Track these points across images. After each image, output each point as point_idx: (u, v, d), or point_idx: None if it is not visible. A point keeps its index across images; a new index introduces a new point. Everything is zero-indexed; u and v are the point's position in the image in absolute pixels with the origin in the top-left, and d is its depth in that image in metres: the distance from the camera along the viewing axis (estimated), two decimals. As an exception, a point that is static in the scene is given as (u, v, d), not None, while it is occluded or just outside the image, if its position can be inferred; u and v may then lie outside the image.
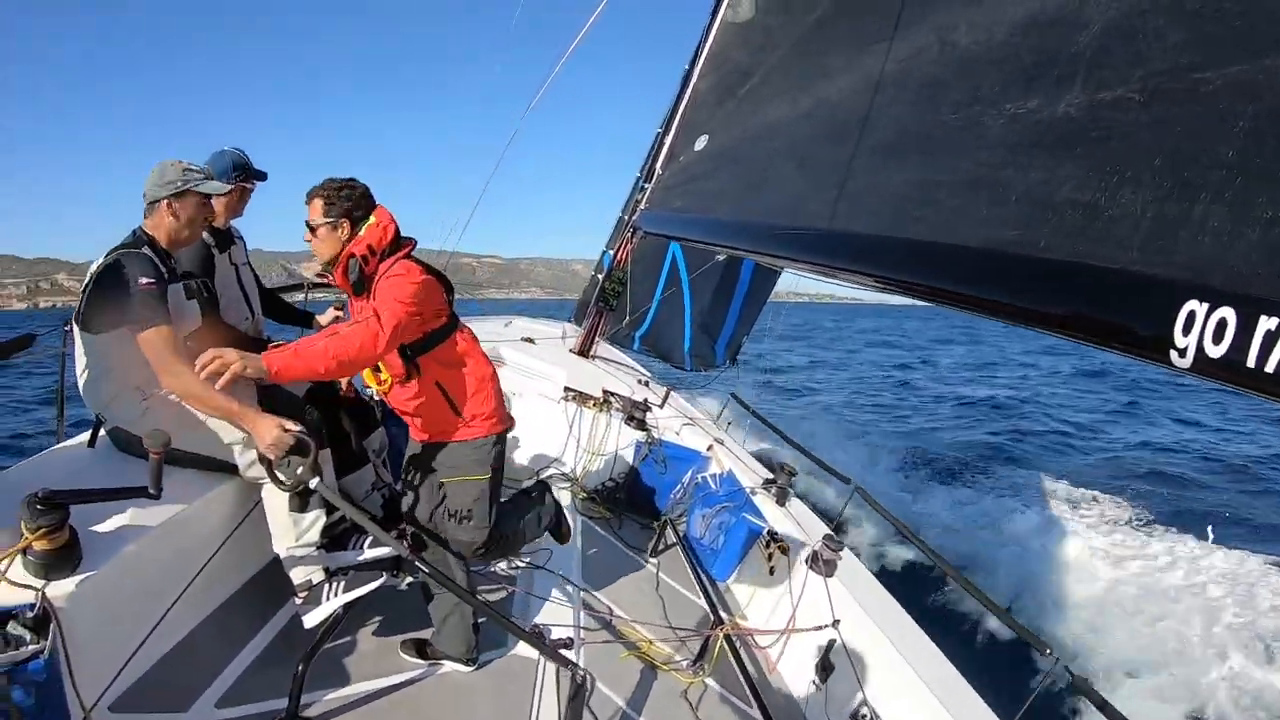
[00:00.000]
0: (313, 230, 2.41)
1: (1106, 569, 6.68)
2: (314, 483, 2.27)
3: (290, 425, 2.31)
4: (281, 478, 2.33)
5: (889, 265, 2.35)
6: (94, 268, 2.41)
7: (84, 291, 2.40)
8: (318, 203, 2.38)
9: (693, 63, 4.93)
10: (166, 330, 2.26)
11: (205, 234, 2.92)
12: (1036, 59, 1.88)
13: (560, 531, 3.09)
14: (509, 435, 4.61)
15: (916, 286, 2.16)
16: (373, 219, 2.41)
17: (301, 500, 2.48)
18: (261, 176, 3.19)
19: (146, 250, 2.40)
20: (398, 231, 2.46)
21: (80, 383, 2.47)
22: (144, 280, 2.26)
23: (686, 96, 4.89)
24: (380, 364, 2.45)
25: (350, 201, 2.38)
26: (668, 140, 5.05)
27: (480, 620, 2.50)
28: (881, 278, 2.33)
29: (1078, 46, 1.73)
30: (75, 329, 2.46)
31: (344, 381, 3.10)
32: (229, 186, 2.92)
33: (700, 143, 4.46)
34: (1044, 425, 13.54)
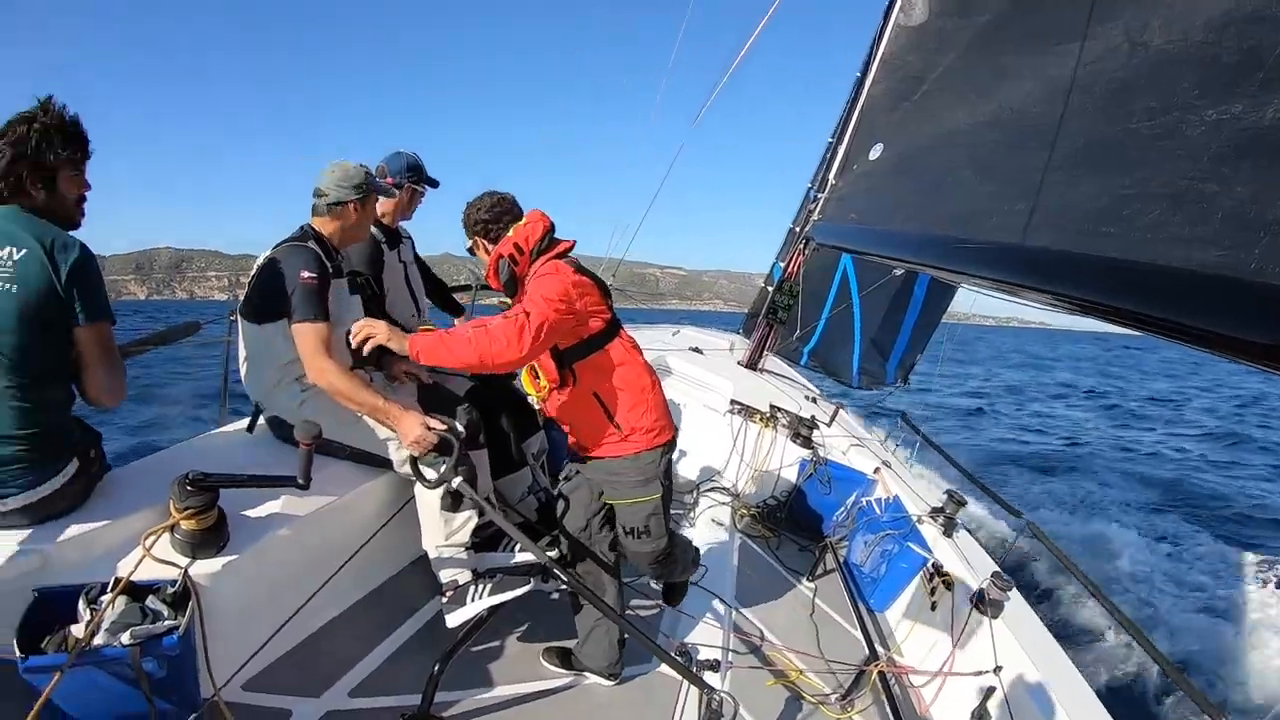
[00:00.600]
0: (471, 252, 2.55)
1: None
2: (456, 482, 2.27)
3: (435, 424, 2.34)
4: (425, 474, 2.37)
5: (1078, 284, 2.12)
6: (260, 260, 2.50)
7: (249, 283, 2.49)
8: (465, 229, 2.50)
9: (865, 68, 4.78)
10: (321, 326, 2.32)
11: (376, 231, 3.03)
12: (1239, 59, 1.66)
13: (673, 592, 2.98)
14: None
15: (1106, 309, 1.94)
16: (523, 220, 2.43)
17: (454, 500, 2.46)
18: (433, 184, 3.29)
19: (312, 245, 2.46)
20: (548, 231, 2.43)
21: (242, 371, 2.56)
22: (305, 274, 2.33)
23: (860, 103, 4.75)
24: (538, 369, 2.39)
25: (476, 221, 2.45)
26: (841, 149, 4.91)
27: (626, 635, 2.43)
28: (1069, 297, 2.11)
29: (1287, 44, 1.53)
30: (239, 318, 2.55)
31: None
32: (398, 192, 3.06)
33: (875, 151, 4.31)
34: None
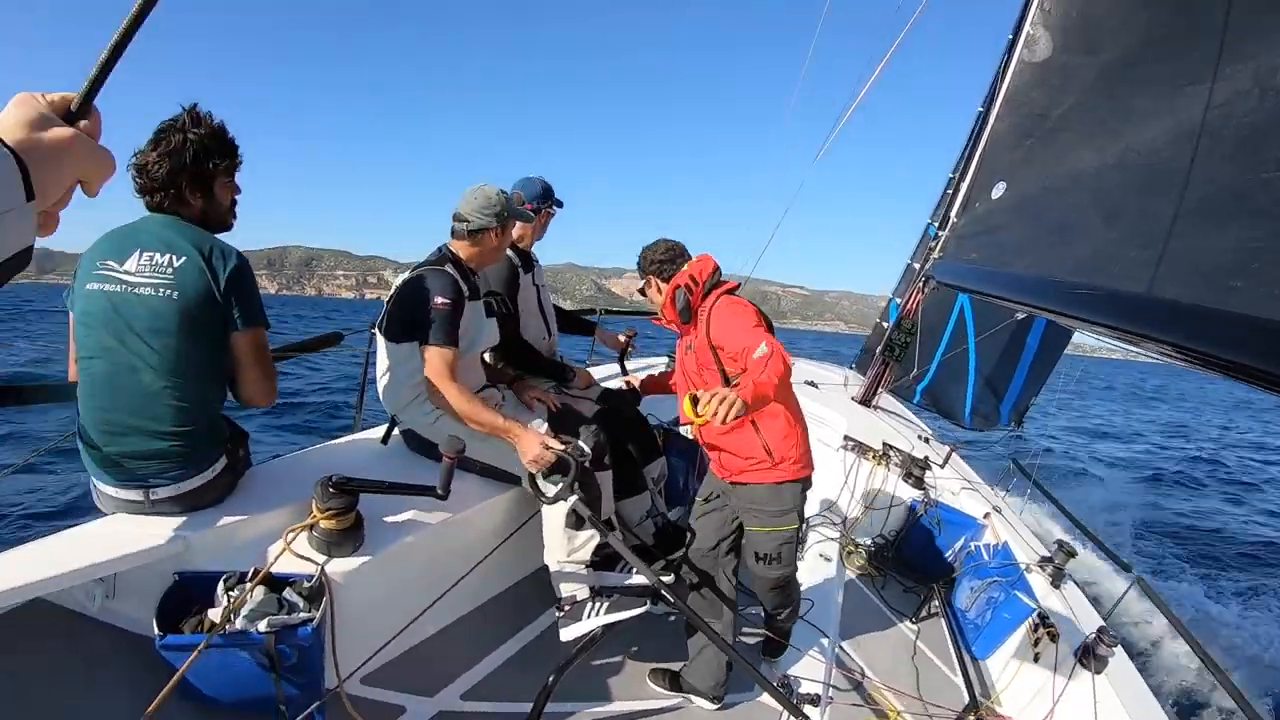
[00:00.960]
0: (642, 292, 2.84)
1: None
2: (571, 500, 2.35)
3: (553, 443, 2.41)
4: (543, 491, 2.44)
5: (1201, 338, 2.02)
6: (398, 280, 2.62)
7: (389, 301, 2.61)
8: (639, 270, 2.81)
9: (988, 104, 4.65)
10: (447, 351, 2.43)
11: (511, 254, 3.15)
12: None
13: None
14: None
15: (1231, 365, 1.85)
16: (694, 258, 2.73)
17: (578, 518, 2.53)
18: (560, 204, 3.41)
19: (449, 269, 2.57)
20: (716, 270, 2.71)
21: (380, 384, 2.69)
22: (439, 300, 2.44)
23: (983, 140, 4.64)
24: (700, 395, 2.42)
25: (652, 262, 2.73)
26: (963, 186, 4.80)
27: (732, 661, 2.46)
28: (1191, 351, 2.02)
29: None
30: (378, 334, 2.69)
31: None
32: (534, 217, 3.14)
33: (998, 190, 4.20)
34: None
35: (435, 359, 2.45)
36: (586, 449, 2.66)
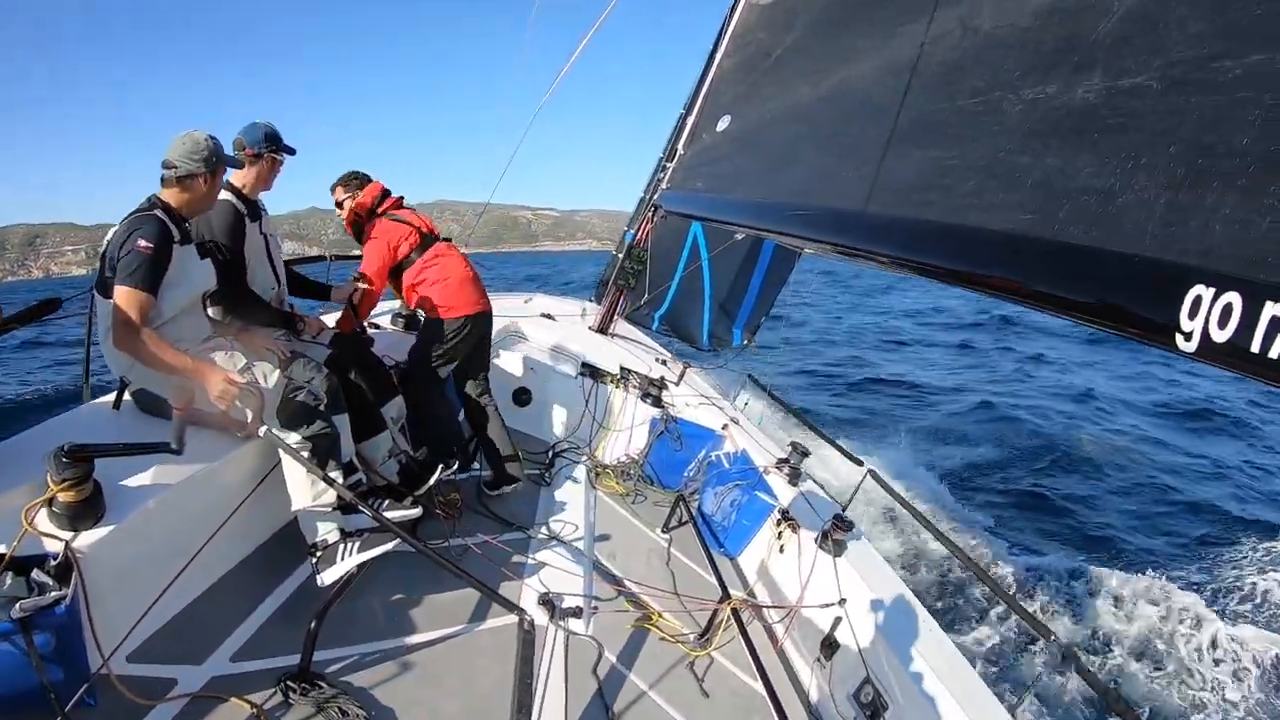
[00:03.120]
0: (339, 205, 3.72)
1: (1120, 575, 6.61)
2: (262, 431, 2.41)
3: (236, 377, 2.41)
4: (237, 427, 2.50)
5: (903, 246, 2.33)
6: (108, 235, 2.47)
7: (100, 258, 2.46)
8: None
9: (716, 42, 4.91)
10: (139, 294, 2.30)
11: (237, 202, 3.01)
12: (1057, 45, 1.87)
13: None
14: (528, 407, 4.92)
15: (930, 268, 2.15)
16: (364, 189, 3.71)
17: (319, 461, 2.57)
18: (290, 151, 3.24)
19: (159, 214, 2.45)
20: (381, 194, 3.75)
21: (104, 346, 2.52)
22: (141, 243, 2.31)
23: (710, 76, 4.87)
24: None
25: (345, 186, 3.74)
26: (690, 119, 5.03)
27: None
28: (895, 258, 2.33)
29: (1098, 33, 1.72)
30: (95, 295, 2.52)
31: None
32: (245, 163, 3.04)
33: (723, 123, 4.44)
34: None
35: (123, 298, 2.28)
36: (320, 393, 2.80)
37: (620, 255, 6.01)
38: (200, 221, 2.92)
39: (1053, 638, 2.62)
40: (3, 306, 2.48)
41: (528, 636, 2.07)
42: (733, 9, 4.69)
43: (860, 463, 3.83)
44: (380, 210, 3.76)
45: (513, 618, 2.24)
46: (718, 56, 4.78)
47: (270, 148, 3.11)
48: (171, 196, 2.56)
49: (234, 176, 3.10)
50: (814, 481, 3.84)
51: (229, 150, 2.79)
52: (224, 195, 3.00)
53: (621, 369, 4.86)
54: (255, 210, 3.18)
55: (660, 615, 3.01)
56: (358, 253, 3.96)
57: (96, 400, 2.81)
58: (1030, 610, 3.00)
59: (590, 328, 5.87)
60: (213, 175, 2.60)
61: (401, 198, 3.88)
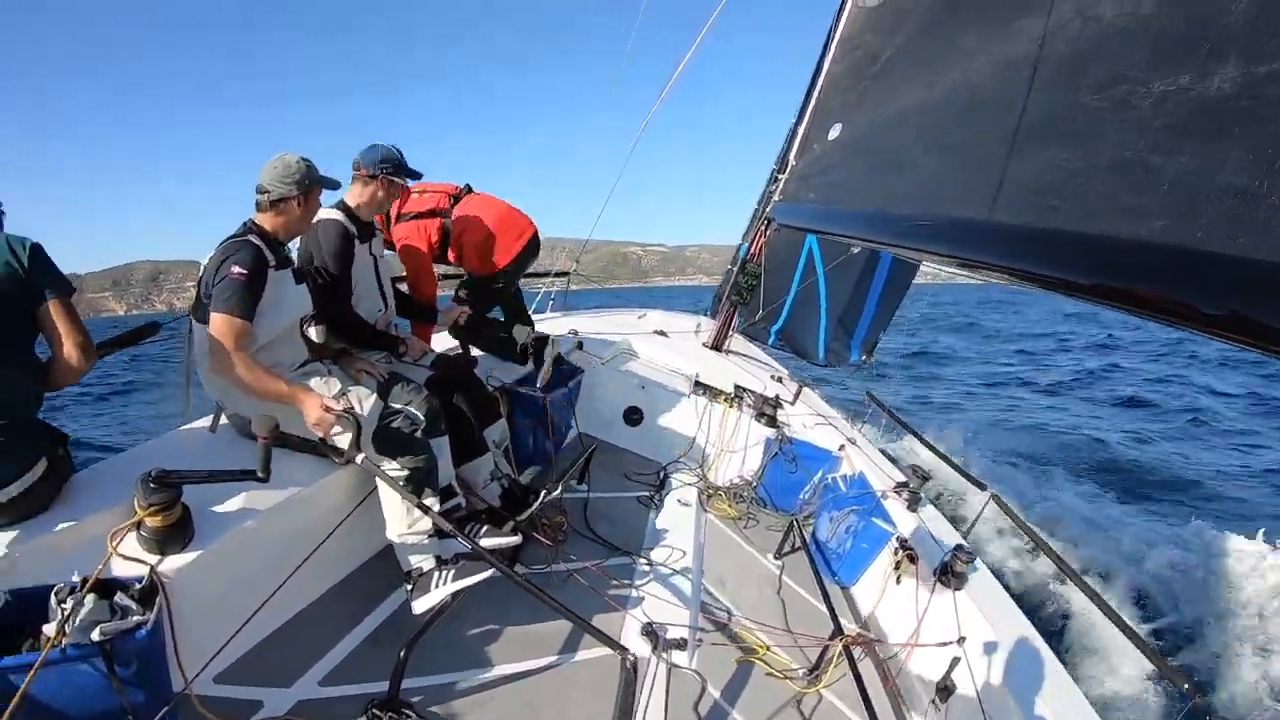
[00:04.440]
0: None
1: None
2: (359, 459, 2.37)
3: (333, 404, 2.41)
4: (334, 452, 2.49)
5: (1028, 257, 2.12)
6: (204, 261, 2.51)
7: (198, 283, 2.51)
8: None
9: (824, 49, 4.79)
10: (235, 320, 2.33)
11: (348, 223, 3.02)
12: (1186, 31, 1.68)
13: None
14: (639, 426, 4.82)
15: (1052, 280, 1.94)
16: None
17: (416, 488, 2.57)
18: (414, 175, 3.22)
19: (252, 239, 2.47)
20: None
21: (200, 370, 2.57)
22: (235, 269, 2.34)
23: (819, 84, 4.76)
24: None
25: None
26: (800, 129, 4.93)
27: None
28: (1019, 271, 2.12)
29: (1232, 15, 1.55)
30: (191, 320, 2.57)
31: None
32: (354, 186, 3.05)
33: (834, 131, 4.32)
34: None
35: (219, 326, 2.34)
36: (419, 415, 2.78)
37: (734, 270, 5.96)
38: (309, 240, 2.97)
39: (1194, 695, 2.30)
40: (107, 332, 2.63)
41: (629, 676, 2.01)
42: (839, 13, 4.57)
43: (984, 487, 3.60)
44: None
45: (613, 651, 2.16)
46: (826, 63, 4.66)
47: (386, 170, 3.08)
48: (266, 220, 2.59)
49: (348, 196, 3.11)
50: (934, 507, 3.63)
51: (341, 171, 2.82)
52: (335, 215, 3.03)
53: (736, 387, 4.75)
54: (367, 231, 3.18)
55: (768, 649, 2.89)
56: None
57: (193, 424, 2.84)
58: (1170, 661, 2.67)
59: (704, 344, 5.78)
60: (306, 198, 2.61)
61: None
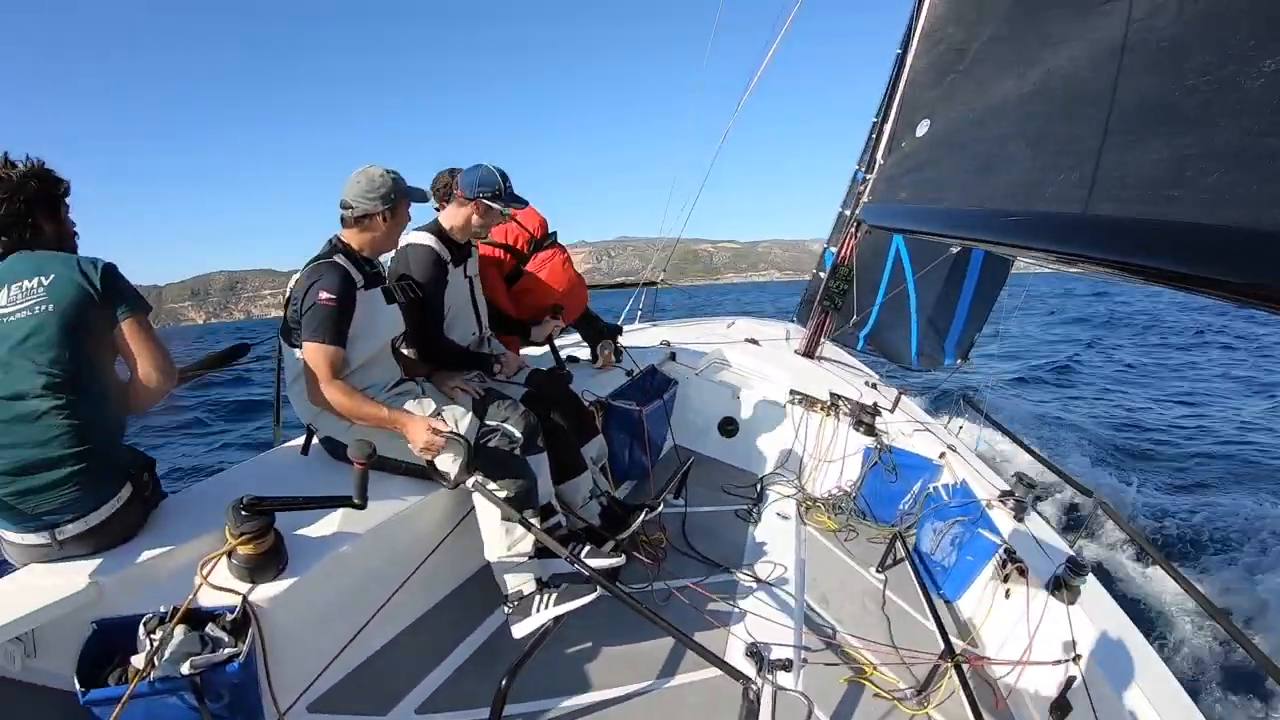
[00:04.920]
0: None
1: None
2: (470, 482, 2.33)
3: (440, 426, 2.35)
4: (444, 476, 2.41)
5: (1138, 251, 2.01)
6: (291, 282, 2.48)
7: (285, 305, 2.49)
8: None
9: (905, 43, 4.68)
10: (326, 348, 2.31)
11: (439, 247, 2.95)
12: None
13: None
14: (734, 438, 4.76)
15: (1171, 275, 1.83)
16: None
17: (517, 508, 2.47)
18: (518, 202, 3.11)
19: (340, 259, 2.43)
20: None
21: (291, 392, 2.54)
22: (323, 295, 2.31)
23: (903, 80, 4.65)
24: None
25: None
26: (886, 127, 4.81)
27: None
28: (1129, 265, 2.01)
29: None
30: (281, 341, 2.55)
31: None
32: (449, 207, 2.99)
33: (922, 128, 4.19)
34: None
35: (313, 355, 2.33)
36: (517, 432, 2.68)
37: (823, 275, 5.83)
38: (399, 260, 2.93)
39: None
40: (192, 343, 2.71)
41: (752, 707, 1.91)
42: (918, 6, 4.46)
43: (1089, 493, 3.42)
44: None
45: (718, 672, 2.06)
46: (908, 58, 4.54)
47: (484, 195, 2.97)
48: (351, 238, 2.53)
49: (442, 216, 3.05)
50: (1041, 517, 3.43)
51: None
52: (426, 240, 2.96)
53: (831, 395, 4.63)
54: (461, 253, 3.10)
55: (875, 668, 2.79)
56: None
57: (284, 445, 2.82)
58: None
59: (796, 351, 5.68)
60: (393, 212, 2.53)
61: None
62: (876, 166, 4.83)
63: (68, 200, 2.03)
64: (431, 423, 2.38)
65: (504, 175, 3.03)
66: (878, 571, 3.58)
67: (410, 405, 2.54)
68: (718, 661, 2.10)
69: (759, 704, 1.93)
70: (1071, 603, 2.71)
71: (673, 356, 5.15)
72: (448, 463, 2.44)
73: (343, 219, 2.55)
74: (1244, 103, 1.72)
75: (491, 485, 2.50)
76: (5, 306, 1.82)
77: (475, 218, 3.04)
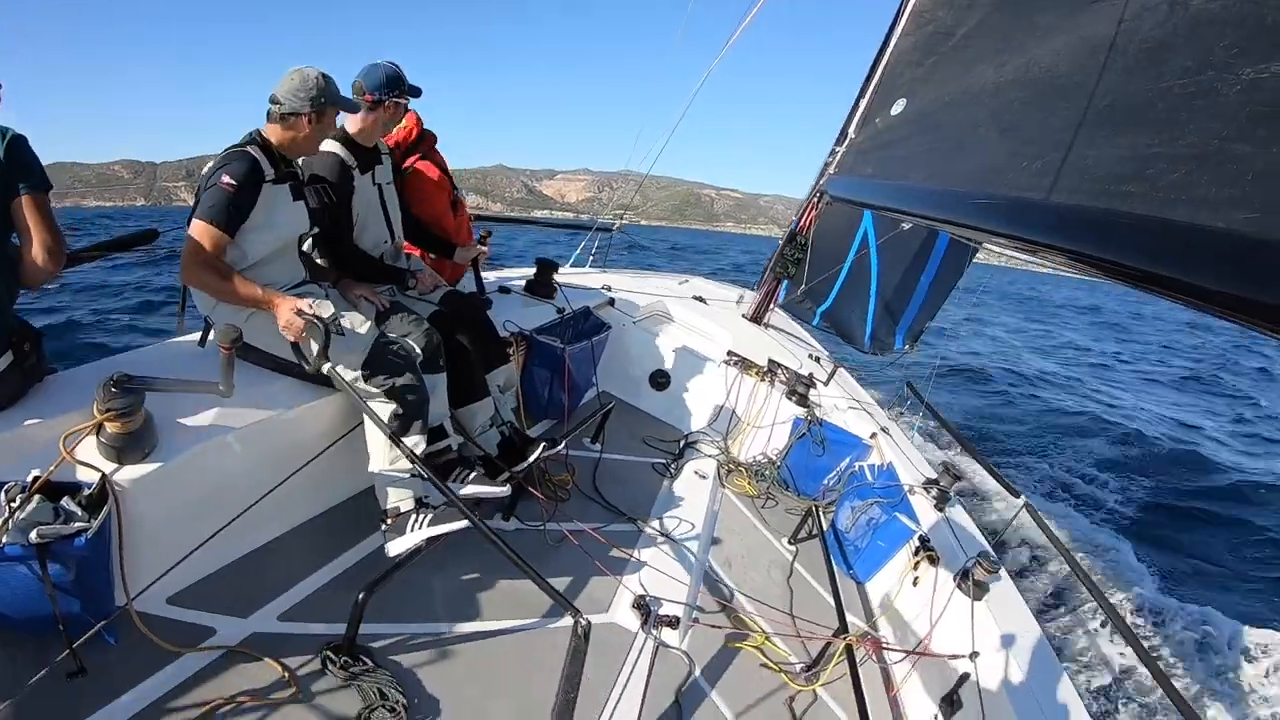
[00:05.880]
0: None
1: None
2: (326, 368, 2.25)
3: (305, 307, 2.24)
4: (304, 361, 2.31)
5: (1095, 241, 2.01)
6: (205, 169, 2.40)
7: (196, 191, 2.40)
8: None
9: (894, 21, 4.67)
10: (212, 229, 2.23)
11: (344, 153, 2.87)
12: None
13: None
14: (664, 391, 4.66)
15: (1126, 269, 1.83)
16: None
17: (402, 424, 2.42)
18: (416, 93, 3.05)
19: (253, 150, 2.36)
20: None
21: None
22: (225, 179, 2.24)
23: (886, 57, 4.66)
24: None
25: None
26: (863, 102, 4.83)
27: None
28: (1084, 255, 2.01)
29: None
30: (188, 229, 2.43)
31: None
32: (363, 109, 2.87)
33: (898, 106, 4.20)
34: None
35: (195, 231, 2.24)
36: (417, 349, 2.64)
37: (782, 242, 5.87)
38: (309, 163, 2.81)
39: None
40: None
41: (580, 644, 1.85)
42: (910, -15, 4.47)
43: (1018, 494, 3.44)
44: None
45: (602, 616, 2.05)
46: (895, 36, 4.55)
47: (393, 93, 2.92)
48: (273, 133, 2.47)
49: (347, 122, 2.94)
50: (963, 509, 3.46)
51: (346, 93, 2.65)
52: (332, 146, 2.87)
53: (769, 361, 4.61)
54: (370, 159, 3.02)
55: (766, 639, 2.75)
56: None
57: (182, 338, 2.71)
58: (1187, 693, 2.51)
59: (743, 316, 5.65)
60: (319, 116, 2.47)
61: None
62: (847, 140, 4.85)
63: None
64: (298, 303, 2.26)
65: (400, 68, 2.98)
66: (789, 543, 3.57)
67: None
68: (557, 596, 2.04)
69: (587, 641, 1.88)
70: (979, 599, 2.71)
71: (611, 303, 5.06)
72: (309, 347, 2.34)
73: (268, 113, 2.47)
74: (1217, 107, 1.75)
75: (375, 391, 2.44)
76: None
77: (385, 117, 3.00)
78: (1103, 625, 5.35)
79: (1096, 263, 1.97)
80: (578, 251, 6.31)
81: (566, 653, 1.82)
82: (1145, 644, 2.74)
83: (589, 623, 1.91)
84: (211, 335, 2.51)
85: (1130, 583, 6.43)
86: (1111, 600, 3.01)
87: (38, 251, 1.91)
